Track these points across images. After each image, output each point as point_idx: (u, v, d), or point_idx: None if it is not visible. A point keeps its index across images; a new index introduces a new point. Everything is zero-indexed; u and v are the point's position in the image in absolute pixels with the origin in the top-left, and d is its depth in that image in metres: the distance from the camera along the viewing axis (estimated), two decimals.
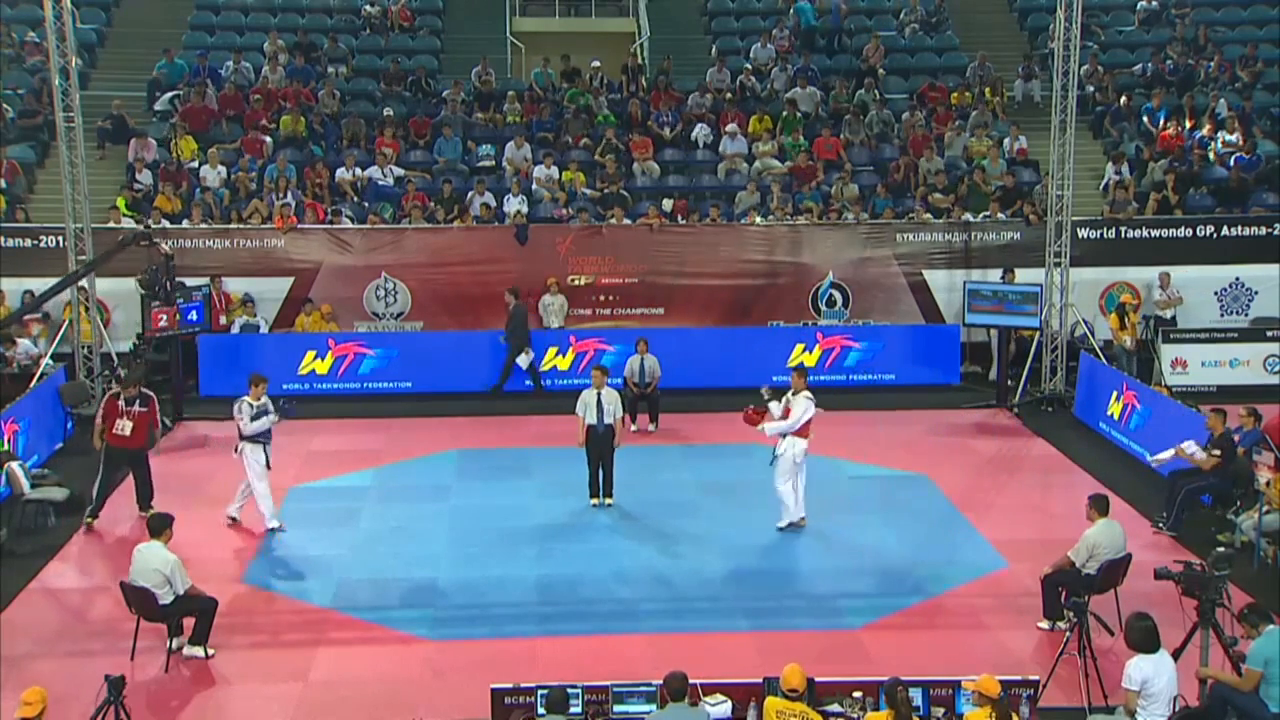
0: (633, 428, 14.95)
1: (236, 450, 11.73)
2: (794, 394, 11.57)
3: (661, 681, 7.53)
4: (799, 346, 17.03)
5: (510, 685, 7.68)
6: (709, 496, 11.84)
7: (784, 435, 11.51)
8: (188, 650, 9.32)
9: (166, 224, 17.49)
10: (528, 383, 16.55)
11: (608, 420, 12.42)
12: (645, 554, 11.37)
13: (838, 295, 17.96)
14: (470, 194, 18.54)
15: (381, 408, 16.28)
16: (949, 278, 17.81)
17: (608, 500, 12.52)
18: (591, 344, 16.85)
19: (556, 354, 16.86)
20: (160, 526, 9.41)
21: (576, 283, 17.74)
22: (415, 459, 14.14)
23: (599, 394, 12.46)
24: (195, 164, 18.82)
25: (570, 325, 17.54)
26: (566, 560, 11.17)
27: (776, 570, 10.99)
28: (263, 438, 11.69)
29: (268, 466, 11.71)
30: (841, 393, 16.72)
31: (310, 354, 16.60)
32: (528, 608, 10.24)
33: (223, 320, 17.00)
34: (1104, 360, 16.02)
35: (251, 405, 11.67)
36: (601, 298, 17.84)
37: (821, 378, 16.97)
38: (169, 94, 20.10)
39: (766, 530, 11.84)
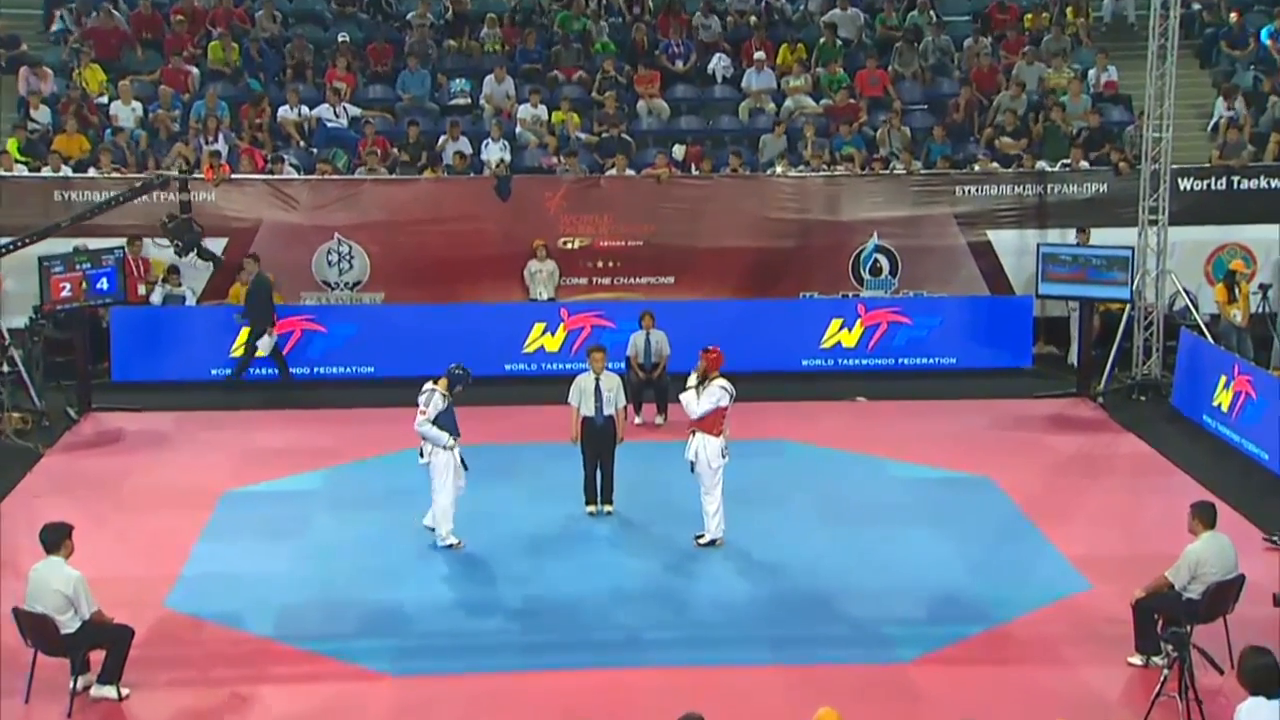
0: (637, 420, 14.96)
1: (423, 455, 11.64)
2: (706, 381, 11.60)
3: None
4: (836, 322, 17.02)
5: None
6: (728, 503, 11.83)
7: (692, 433, 11.60)
8: (96, 691, 9.27)
9: (69, 171, 17.40)
10: (273, 370, 16.46)
11: (607, 411, 12.41)
12: (652, 571, 11.38)
13: (884, 261, 17.92)
14: (441, 139, 18.48)
15: (335, 396, 16.26)
16: (1019, 239, 17.75)
17: (607, 507, 12.53)
18: (587, 319, 16.82)
19: (545, 332, 16.83)
20: (56, 539, 9.29)
21: (569, 246, 17.71)
22: (376, 458, 14.14)
23: (597, 379, 12.44)
24: (104, 99, 18.74)
25: (562, 297, 17.51)
26: (559, 579, 11.18)
27: (809, 591, 10.98)
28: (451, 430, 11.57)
29: (464, 465, 11.64)
30: (888, 378, 16.71)
31: (246, 331, 16.50)
32: (512, 636, 10.25)
33: (140, 290, 16.94)
34: (1210, 339, 15.94)
35: (445, 396, 11.57)
36: (599, 264, 17.82)
37: (864, 361, 17.00)
38: (66, 8, 19.88)
39: (796, 544, 11.85)
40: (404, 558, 11.63)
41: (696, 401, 11.58)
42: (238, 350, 16.47)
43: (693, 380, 11.70)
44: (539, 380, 16.27)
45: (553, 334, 16.84)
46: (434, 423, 11.58)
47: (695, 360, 11.83)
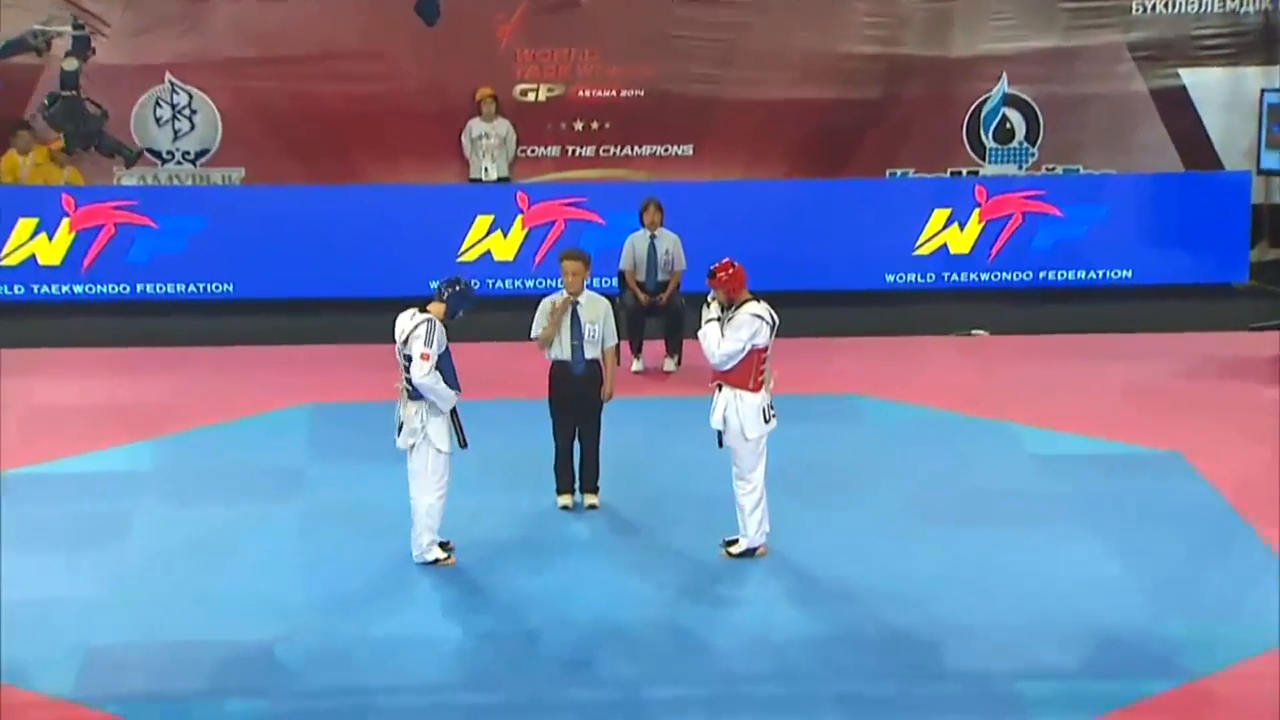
0: (635, 366, 15.17)
1: (405, 433, 11.56)
2: (733, 308, 11.51)
3: None
4: (941, 214, 17.15)
5: None
6: (774, 492, 11.86)
7: (719, 387, 11.62)
8: None
9: None
10: None
11: (590, 353, 12.46)
12: (660, 596, 11.45)
13: (1017, 120, 17.97)
14: None
15: (170, 328, 16.30)
16: (1233, 83, 17.95)
17: (590, 498, 12.67)
18: (559, 210, 16.93)
19: (493, 228, 16.92)
20: None
21: (530, 97, 17.85)
22: (235, 421, 14.31)
23: (574, 305, 12.45)
24: None
25: (520, 176, 17.70)
26: (519, 606, 11.24)
27: (898, 626, 11.00)
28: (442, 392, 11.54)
29: (462, 444, 11.66)
30: (1025, 300, 16.86)
31: (26, 225, 16.74)
32: (448, 694, 10.26)
33: None
34: None
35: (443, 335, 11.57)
36: (577, 125, 18.02)
37: (984, 275, 17.08)
38: None
39: (879, 555, 11.92)
40: (280, 573, 11.65)
41: (720, 339, 11.49)
42: None
43: (712, 309, 11.58)
44: (484, 303, 16.17)
45: (505, 232, 16.94)
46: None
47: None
